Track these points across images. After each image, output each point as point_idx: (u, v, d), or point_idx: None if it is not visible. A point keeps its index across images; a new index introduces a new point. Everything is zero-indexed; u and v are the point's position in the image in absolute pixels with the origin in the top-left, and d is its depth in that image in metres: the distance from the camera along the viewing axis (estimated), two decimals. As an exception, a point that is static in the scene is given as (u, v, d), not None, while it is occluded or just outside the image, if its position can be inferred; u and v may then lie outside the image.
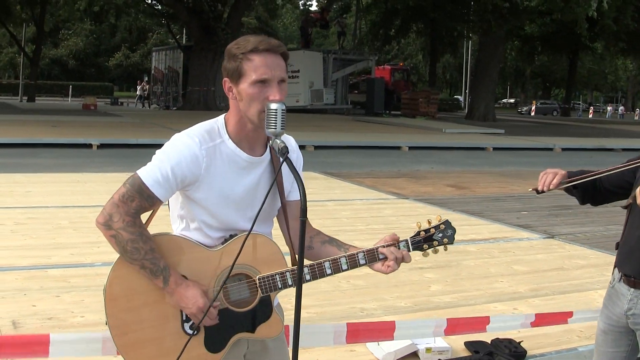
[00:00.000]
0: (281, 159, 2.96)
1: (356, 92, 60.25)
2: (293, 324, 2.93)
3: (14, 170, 15.51)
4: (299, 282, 2.91)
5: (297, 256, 2.93)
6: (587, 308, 6.50)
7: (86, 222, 9.52)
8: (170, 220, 3.29)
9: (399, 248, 3.28)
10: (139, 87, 63.23)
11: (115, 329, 3.06)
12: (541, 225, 11.67)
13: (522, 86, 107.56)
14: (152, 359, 3.08)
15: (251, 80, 3.01)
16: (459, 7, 51.50)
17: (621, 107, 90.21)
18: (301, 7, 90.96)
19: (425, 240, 3.34)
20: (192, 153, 3.02)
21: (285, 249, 3.24)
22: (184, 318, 3.10)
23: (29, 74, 60.57)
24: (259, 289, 3.14)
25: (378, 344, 5.65)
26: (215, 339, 3.15)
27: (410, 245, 3.31)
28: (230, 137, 3.12)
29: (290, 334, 3.36)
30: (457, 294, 7.57)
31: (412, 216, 11.46)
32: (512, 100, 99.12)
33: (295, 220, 3.22)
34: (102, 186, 12.81)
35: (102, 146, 21.87)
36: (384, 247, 3.26)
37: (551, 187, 3.91)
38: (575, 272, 8.78)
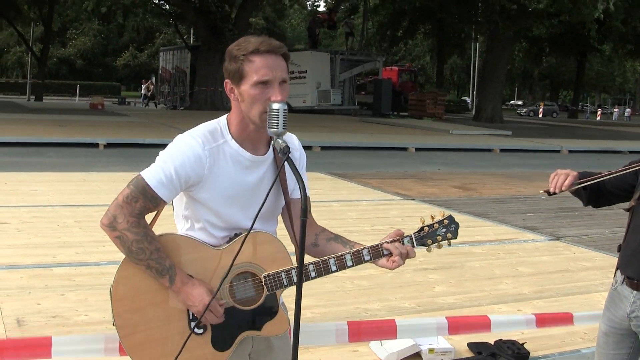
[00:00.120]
0: (284, 159, 2.97)
1: (363, 93, 60.21)
2: (293, 322, 2.93)
3: (21, 169, 15.54)
4: (299, 281, 2.92)
5: (301, 254, 2.93)
6: (591, 310, 6.49)
7: (92, 221, 9.53)
8: (174, 221, 3.30)
9: (403, 244, 3.28)
10: (143, 87, 63.51)
11: (123, 329, 3.08)
12: (547, 227, 11.65)
13: (529, 88, 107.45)
14: (159, 358, 3.09)
15: (253, 82, 3.02)
16: (466, 8, 51.43)
17: (628, 109, 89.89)
18: (309, 8, 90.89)
19: (429, 236, 3.35)
20: (196, 154, 3.03)
21: (290, 247, 3.24)
22: (191, 317, 3.10)
23: (36, 73, 60.66)
24: (264, 287, 3.15)
25: (381, 345, 5.66)
26: (223, 338, 3.16)
27: (414, 240, 3.31)
28: (233, 137, 3.13)
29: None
30: (461, 295, 7.57)
31: (417, 217, 11.34)
32: (519, 102, 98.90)
33: (299, 218, 3.23)
34: (108, 185, 12.83)
35: (108, 146, 21.91)
36: (388, 243, 3.26)
37: (563, 188, 3.86)
38: (580, 274, 8.77)
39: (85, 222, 9.86)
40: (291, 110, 41.87)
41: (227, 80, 3.13)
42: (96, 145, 21.97)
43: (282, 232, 3.32)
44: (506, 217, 12.49)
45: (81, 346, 3.95)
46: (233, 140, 3.12)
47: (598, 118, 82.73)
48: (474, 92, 71.65)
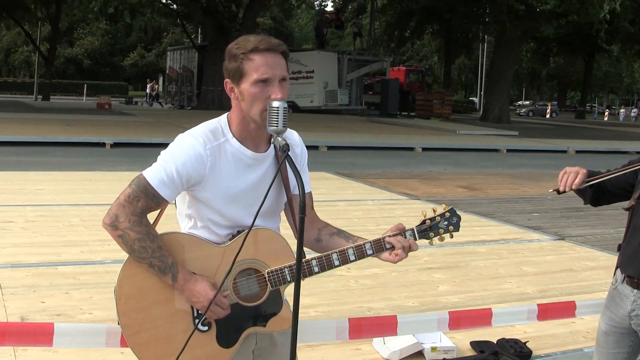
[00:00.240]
0: (283, 156, 2.99)
1: (371, 93, 60.14)
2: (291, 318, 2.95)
3: (27, 169, 15.55)
4: (297, 278, 2.92)
5: (300, 252, 2.94)
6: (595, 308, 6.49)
7: (97, 220, 9.44)
8: (178, 219, 3.32)
9: (406, 237, 3.29)
10: (148, 86, 63.71)
11: (128, 328, 3.10)
12: (552, 227, 11.64)
13: (537, 88, 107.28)
14: (165, 356, 3.10)
15: (252, 80, 3.03)
16: (474, 8, 51.38)
17: (634, 110, 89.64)
18: (316, 8, 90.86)
19: (431, 229, 3.36)
20: (197, 153, 3.05)
21: (294, 243, 3.25)
22: (195, 315, 3.12)
23: (43, 73, 60.73)
24: (268, 283, 3.17)
25: (384, 343, 5.67)
26: (227, 335, 3.17)
27: (416, 233, 3.33)
28: (234, 135, 3.14)
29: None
30: (465, 294, 7.57)
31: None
32: (527, 103, 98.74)
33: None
34: (115, 185, 12.76)
35: (115, 145, 21.98)
36: (390, 236, 3.27)
37: (573, 187, 3.82)
38: (584, 273, 8.77)
39: (90, 221, 9.87)
40: (298, 110, 41.83)
41: (227, 80, 3.14)
42: (103, 144, 22.03)
43: (287, 231, 3.33)
44: (511, 217, 12.49)
45: (83, 337, 3.96)
46: (234, 139, 3.13)
47: (605, 119, 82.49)
48: (482, 93, 71.58)
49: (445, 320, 4.92)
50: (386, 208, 12.83)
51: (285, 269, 3.17)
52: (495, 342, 5.91)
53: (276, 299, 3.21)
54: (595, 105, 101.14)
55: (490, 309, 5.12)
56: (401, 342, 5.58)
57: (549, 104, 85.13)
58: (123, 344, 3.58)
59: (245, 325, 3.19)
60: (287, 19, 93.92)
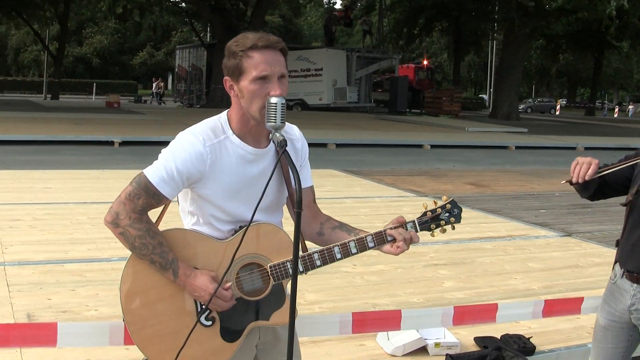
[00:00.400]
0: (281, 152, 3.02)
1: (380, 90, 60.16)
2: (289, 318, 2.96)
3: (36, 167, 15.60)
4: (294, 274, 2.95)
5: (296, 246, 2.96)
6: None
7: (105, 218, 9.55)
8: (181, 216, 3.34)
9: (407, 229, 3.31)
10: (154, 85, 63.92)
11: (133, 325, 3.13)
12: (559, 224, 11.63)
13: (547, 85, 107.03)
14: (169, 352, 3.13)
15: (252, 77, 3.05)
16: (482, 5, 51.32)
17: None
18: (325, 5, 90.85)
19: (432, 220, 3.38)
20: (197, 151, 3.07)
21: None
22: (199, 309, 3.15)
23: (53, 72, 60.86)
24: (270, 277, 3.19)
25: (388, 339, 5.69)
26: (231, 329, 3.20)
27: (417, 225, 3.35)
28: (234, 132, 3.16)
29: (298, 326, 3.40)
30: (470, 291, 7.57)
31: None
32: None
33: (304, 208, 3.27)
34: (122, 183, 12.54)
35: (123, 143, 22.04)
36: (391, 229, 3.29)
37: (587, 177, 3.76)
38: (590, 269, 8.76)
39: (98, 218, 9.85)
40: (307, 107, 41.83)
41: (226, 77, 3.16)
42: (111, 143, 22.09)
43: (290, 227, 3.36)
44: (518, 213, 12.47)
45: (87, 335, 3.98)
46: (234, 136, 3.15)
47: (615, 115, 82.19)
48: (491, 90, 71.45)
49: (450, 315, 4.94)
50: (393, 205, 12.83)
51: (288, 263, 3.18)
52: (499, 338, 5.92)
53: (279, 293, 3.23)
54: (605, 102, 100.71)
55: (496, 303, 5.14)
56: (405, 337, 5.60)
57: (558, 101, 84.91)
58: (127, 341, 3.61)
59: (248, 320, 3.22)
60: (296, 17, 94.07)
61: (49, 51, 63.33)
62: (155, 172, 3.07)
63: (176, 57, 62.30)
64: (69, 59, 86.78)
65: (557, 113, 78.66)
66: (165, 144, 3.22)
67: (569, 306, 5.29)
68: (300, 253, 3.21)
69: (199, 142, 3.08)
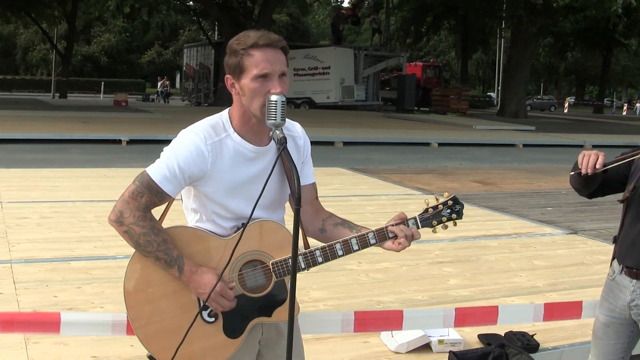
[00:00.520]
0: (280, 149, 3.04)
1: (388, 88, 60.14)
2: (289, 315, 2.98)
3: (44, 166, 15.65)
4: (293, 270, 2.96)
5: (295, 243, 2.98)
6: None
7: (111, 217, 9.57)
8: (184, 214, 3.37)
9: (408, 226, 3.33)
10: (159, 83, 64.12)
11: (136, 321, 3.16)
12: (565, 221, 11.61)
13: (555, 83, 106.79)
14: (173, 348, 3.15)
15: (252, 75, 3.07)
16: (490, 3, 51.25)
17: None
18: (333, 4, 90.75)
19: (433, 217, 3.39)
20: (198, 149, 3.10)
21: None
22: (202, 306, 3.16)
23: (61, 71, 60.96)
24: (273, 274, 3.21)
25: (392, 336, 5.70)
26: (234, 325, 3.22)
27: (418, 222, 3.37)
28: (235, 130, 3.18)
29: (301, 323, 3.42)
30: (475, 288, 7.58)
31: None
32: (546, 97, 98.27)
33: (306, 205, 3.31)
34: (130, 181, 12.62)
35: (131, 142, 22.08)
36: (393, 225, 3.32)
37: (597, 166, 3.68)
38: (596, 267, 8.74)
39: (104, 217, 9.75)
40: (315, 106, 41.85)
41: (227, 76, 3.19)
42: (119, 141, 22.14)
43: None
44: (525, 211, 12.46)
45: (89, 325, 4.02)
46: (235, 134, 3.18)
47: (624, 113, 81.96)
48: (499, 88, 71.36)
49: (452, 316, 4.96)
50: (400, 203, 12.82)
51: (290, 260, 3.19)
52: (502, 335, 5.93)
53: (281, 290, 3.25)
54: (614, 99, 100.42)
55: (497, 306, 5.15)
56: (409, 334, 5.61)
57: (567, 99, 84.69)
58: (129, 331, 3.64)
59: (251, 316, 3.24)
60: (303, 15, 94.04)
61: (57, 50, 63.47)
62: (158, 170, 3.10)
63: (184, 56, 62.35)
64: (77, 57, 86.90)
65: (566, 111, 78.45)
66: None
67: (569, 313, 5.30)
68: (302, 250, 3.24)
69: (201, 140, 3.10)
